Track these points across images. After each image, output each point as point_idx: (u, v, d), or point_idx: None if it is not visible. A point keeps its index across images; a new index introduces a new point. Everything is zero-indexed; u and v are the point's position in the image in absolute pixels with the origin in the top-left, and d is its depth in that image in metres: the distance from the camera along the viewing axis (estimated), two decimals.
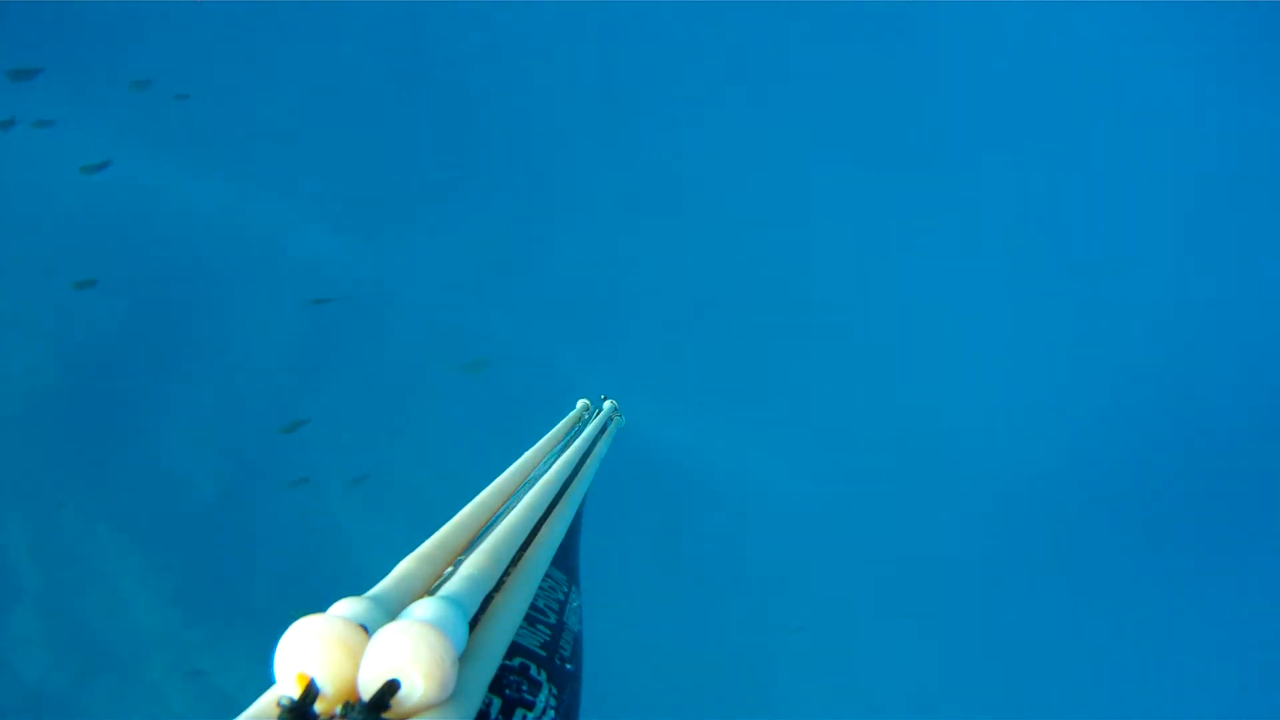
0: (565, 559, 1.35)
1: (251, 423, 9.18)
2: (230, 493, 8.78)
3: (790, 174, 13.24)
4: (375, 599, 0.72)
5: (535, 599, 1.15)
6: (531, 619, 1.11)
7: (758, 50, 13.43)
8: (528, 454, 1.35)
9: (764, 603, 10.48)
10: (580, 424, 1.70)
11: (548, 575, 1.25)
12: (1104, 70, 14.57)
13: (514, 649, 1.01)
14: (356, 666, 0.63)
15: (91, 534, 8.14)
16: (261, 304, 9.77)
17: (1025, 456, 12.70)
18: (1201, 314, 14.05)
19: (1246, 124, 14.54)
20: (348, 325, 10.11)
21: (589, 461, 1.51)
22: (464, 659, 0.72)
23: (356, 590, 0.73)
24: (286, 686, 0.63)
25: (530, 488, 1.19)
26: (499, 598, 0.91)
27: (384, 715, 0.61)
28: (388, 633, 0.64)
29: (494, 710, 0.90)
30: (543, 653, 1.06)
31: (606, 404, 1.90)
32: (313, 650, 0.63)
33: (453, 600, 0.72)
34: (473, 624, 0.81)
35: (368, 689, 0.62)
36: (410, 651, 0.63)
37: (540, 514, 1.11)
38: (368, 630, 0.66)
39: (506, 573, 0.97)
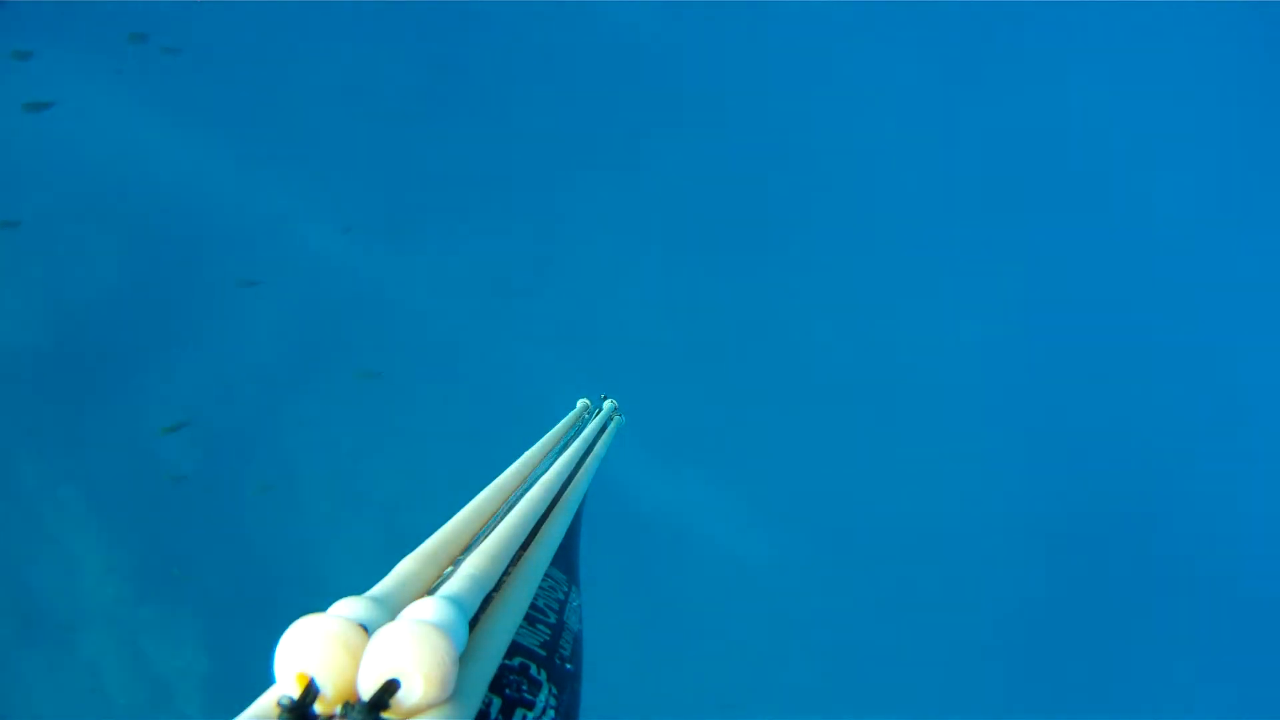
0: (565, 559, 1.35)
1: (233, 410, 9.09)
2: (201, 476, 8.70)
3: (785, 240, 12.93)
4: (375, 599, 0.72)
5: (535, 599, 1.15)
6: (531, 619, 1.11)
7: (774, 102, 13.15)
8: (528, 453, 1.35)
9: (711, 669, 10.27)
10: (580, 423, 1.70)
11: (548, 575, 1.25)
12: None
13: (514, 649, 1.01)
14: (356, 666, 0.63)
15: (53, 495, 8.01)
16: (258, 291, 9.71)
17: (1002, 543, 12.37)
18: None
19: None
20: (343, 323, 10.08)
21: (589, 461, 1.51)
22: (464, 659, 0.72)
23: (353, 592, 0.73)
24: (286, 686, 0.63)
25: (530, 487, 1.19)
26: (499, 597, 0.91)
27: (384, 715, 0.61)
28: (388, 632, 0.64)
29: (494, 710, 0.90)
30: (543, 652, 1.06)
31: (606, 404, 1.90)
32: (313, 650, 0.63)
33: (453, 600, 0.72)
34: (473, 624, 0.81)
35: (368, 689, 0.62)
36: (410, 651, 0.63)
37: (540, 514, 1.11)
38: (368, 630, 0.66)
39: (506, 572, 0.97)
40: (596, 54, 12.29)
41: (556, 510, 1.21)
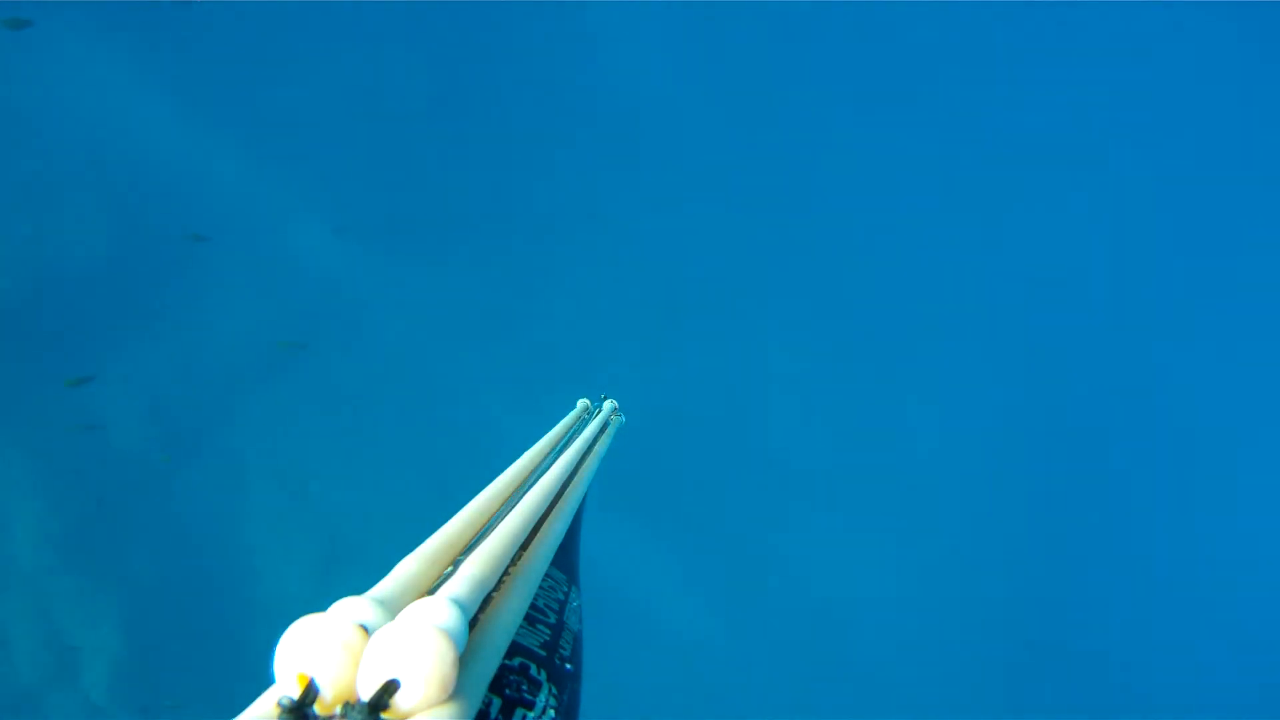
0: (565, 559, 1.35)
1: (192, 392, 8.90)
2: (150, 456, 8.54)
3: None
4: (375, 599, 0.72)
5: (535, 599, 1.15)
6: (531, 619, 1.11)
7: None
8: (528, 453, 1.36)
9: None
10: (580, 423, 1.70)
11: (548, 575, 1.25)
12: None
13: (514, 649, 1.01)
14: (356, 666, 0.64)
15: None
16: (237, 275, 9.46)
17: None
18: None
19: None
20: (324, 326, 9.90)
21: (589, 461, 1.51)
22: (464, 659, 0.72)
23: (356, 590, 0.73)
24: (286, 686, 0.63)
25: (530, 487, 1.19)
26: (499, 597, 0.91)
27: (384, 715, 0.61)
28: (388, 633, 0.64)
29: (494, 710, 0.90)
30: (543, 652, 1.06)
31: (606, 404, 1.90)
32: (312, 650, 0.63)
33: (453, 600, 0.72)
34: (473, 624, 0.81)
35: (368, 689, 0.62)
36: (410, 651, 0.63)
37: (540, 514, 1.11)
38: (368, 630, 0.66)
39: (506, 572, 0.97)
40: (592, 61, 12.21)
41: (556, 510, 1.21)
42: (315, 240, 10.31)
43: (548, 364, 10.88)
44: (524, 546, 1.05)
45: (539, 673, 1.01)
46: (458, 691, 0.66)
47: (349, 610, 0.69)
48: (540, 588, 1.19)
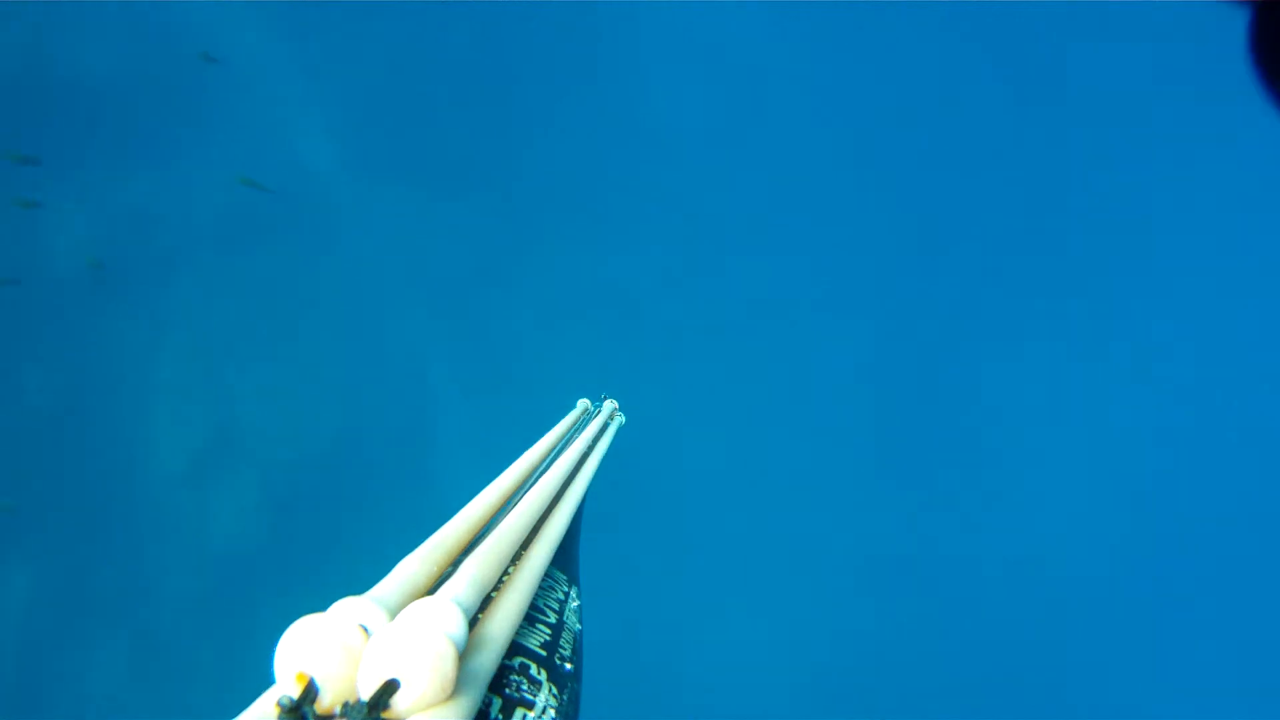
0: (565, 559, 1.35)
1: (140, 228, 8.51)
2: (69, 413, 8.11)
3: None
4: (376, 599, 0.72)
5: (535, 598, 1.15)
6: (531, 618, 1.11)
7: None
8: (528, 454, 1.35)
9: None
10: (580, 424, 1.70)
11: (548, 575, 1.25)
12: None
13: (514, 648, 1.01)
14: (356, 666, 0.63)
15: None
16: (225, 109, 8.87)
17: None
18: None
19: None
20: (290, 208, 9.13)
21: (589, 461, 1.51)
22: (464, 658, 0.72)
23: (355, 591, 0.73)
24: (286, 686, 0.63)
25: (531, 487, 1.19)
26: (499, 597, 0.91)
27: (384, 715, 0.61)
28: (388, 633, 0.64)
29: (494, 710, 0.90)
30: (543, 652, 1.06)
31: (606, 404, 1.90)
32: (313, 650, 0.63)
33: (453, 600, 0.72)
34: (473, 624, 0.81)
35: (367, 689, 0.62)
36: (410, 651, 0.63)
37: (540, 513, 1.12)
38: (368, 630, 0.66)
39: (506, 572, 0.97)
40: (600, 51, 11.88)
41: (556, 510, 1.21)
42: (313, 136, 9.52)
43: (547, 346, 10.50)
44: (524, 546, 1.05)
45: (539, 672, 1.01)
46: (458, 691, 0.66)
47: (349, 610, 0.68)
48: (540, 588, 1.19)
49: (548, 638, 1.10)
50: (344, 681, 0.63)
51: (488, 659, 0.79)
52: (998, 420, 11.43)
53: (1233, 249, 11.42)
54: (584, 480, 1.42)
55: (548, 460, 1.37)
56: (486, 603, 0.88)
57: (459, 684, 0.67)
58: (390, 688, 0.62)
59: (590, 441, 1.59)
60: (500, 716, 0.91)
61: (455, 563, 0.90)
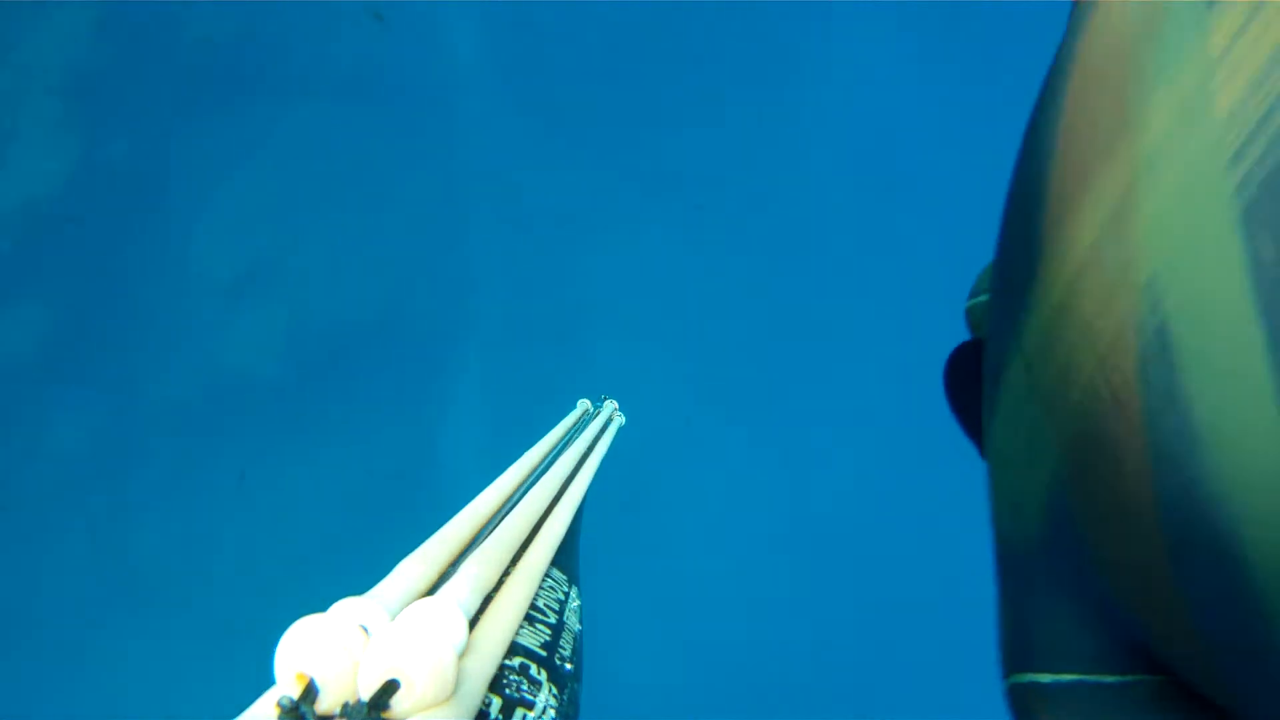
0: (566, 559, 1.35)
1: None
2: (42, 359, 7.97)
3: None
4: (376, 599, 0.72)
5: (535, 599, 1.16)
6: (531, 618, 1.12)
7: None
8: (529, 453, 1.36)
9: None
10: (580, 424, 1.71)
11: (548, 575, 1.25)
12: None
13: (514, 649, 1.01)
14: (356, 667, 0.64)
15: None
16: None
17: None
18: None
19: None
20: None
21: (590, 461, 1.52)
22: (464, 659, 0.73)
23: (356, 591, 0.73)
24: (286, 687, 0.63)
25: (531, 487, 1.19)
26: (499, 598, 0.92)
27: (384, 715, 0.62)
28: (388, 633, 0.65)
29: (493, 710, 0.90)
30: (543, 653, 1.06)
31: (607, 404, 1.91)
32: (312, 650, 0.64)
33: (453, 600, 0.73)
34: (472, 623, 0.81)
35: (367, 689, 0.62)
36: (410, 651, 0.63)
37: (541, 514, 1.12)
38: (367, 630, 0.66)
39: (507, 572, 0.98)
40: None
41: (557, 510, 1.22)
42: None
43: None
44: (524, 547, 1.05)
45: (539, 673, 1.02)
46: (457, 691, 0.67)
47: (349, 610, 0.69)
48: (540, 588, 1.19)
49: (548, 638, 1.11)
50: (344, 682, 0.63)
51: (488, 659, 0.79)
52: None
53: None
54: (584, 480, 1.43)
55: (548, 460, 1.38)
56: (486, 603, 0.89)
57: (459, 684, 0.67)
58: (390, 688, 0.62)
59: (591, 441, 1.60)
60: (500, 716, 0.91)
61: (455, 563, 0.90)
